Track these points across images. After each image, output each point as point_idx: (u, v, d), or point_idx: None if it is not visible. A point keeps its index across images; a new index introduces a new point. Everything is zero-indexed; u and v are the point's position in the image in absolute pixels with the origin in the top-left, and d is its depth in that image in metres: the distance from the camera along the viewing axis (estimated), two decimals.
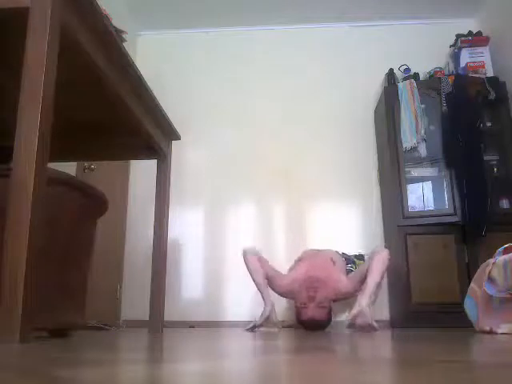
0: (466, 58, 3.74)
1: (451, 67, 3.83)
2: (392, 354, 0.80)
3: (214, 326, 3.59)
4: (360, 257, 3.05)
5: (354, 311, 2.35)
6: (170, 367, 0.55)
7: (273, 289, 2.73)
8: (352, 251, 3.26)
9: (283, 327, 2.60)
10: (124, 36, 1.74)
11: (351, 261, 2.94)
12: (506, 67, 3.66)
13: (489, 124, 3.54)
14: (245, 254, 2.71)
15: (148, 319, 2.01)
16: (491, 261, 2.17)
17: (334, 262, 2.74)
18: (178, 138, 2.24)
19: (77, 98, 1.69)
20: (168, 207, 2.13)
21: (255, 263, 2.67)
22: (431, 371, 0.51)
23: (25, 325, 0.97)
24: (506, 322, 1.98)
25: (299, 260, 2.85)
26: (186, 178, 3.90)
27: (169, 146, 2.21)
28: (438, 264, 3.23)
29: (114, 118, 1.84)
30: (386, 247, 3.12)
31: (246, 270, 2.70)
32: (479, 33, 3.87)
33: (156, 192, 2.11)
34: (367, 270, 2.49)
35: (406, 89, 3.57)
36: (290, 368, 0.55)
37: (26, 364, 0.57)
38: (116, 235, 3.70)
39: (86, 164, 3.23)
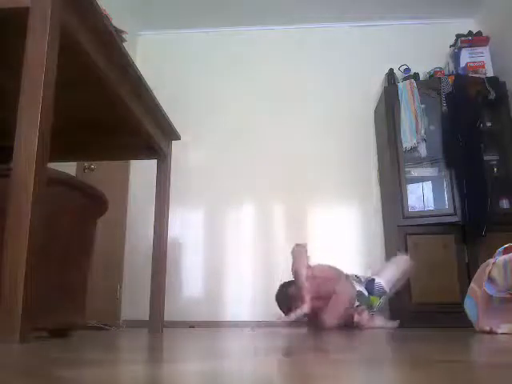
0: (466, 57, 3.74)
1: (451, 67, 3.83)
2: (392, 354, 0.80)
3: (214, 325, 3.59)
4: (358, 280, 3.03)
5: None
6: (170, 367, 0.55)
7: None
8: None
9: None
10: (124, 36, 1.74)
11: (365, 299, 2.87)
12: (506, 67, 3.67)
13: (489, 124, 3.55)
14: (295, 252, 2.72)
15: (148, 319, 2.01)
16: (491, 261, 2.16)
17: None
18: (178, 137, 2.24)
19: (77, 98, 1.69)
20: (168, 207, 2.12)
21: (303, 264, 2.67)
22: (431, 371, 0.51)
23: (25, 325, 0.97)
24: (506, 322, 1.98)
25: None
26: (186, 178, 3.90)
27: (169, 146, 2.21)
28: (438, 264, 3.23)
29: (114, 118, 1.84)
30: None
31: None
32: (479, 33, 3.87)
33: (156, 192, 2.10)
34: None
35: (406, 89, 3.58)
36: (289, 368, 0.55)
37: (26, 364, 0.57)
38: (116, 235, 3.70)
39: (85, 164, 3.23)
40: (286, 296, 2.70)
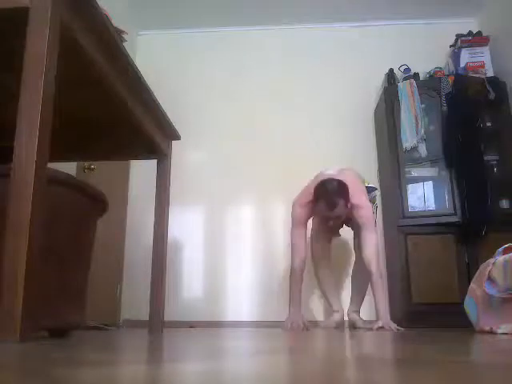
0: (465, 57, 3.74)
1: (451, 67, 3.83)
2: (392, 353, 0.80)
3: (214, 325, 3.59)
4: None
5: (379, 325, 2.46)
6: (170, 367, 0.55)
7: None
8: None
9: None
10: (124, 36, 1.74)
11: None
12: (506, 67, 3.67)
13: (489, 124, 3.55)
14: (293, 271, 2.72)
15: (148, 319, 2.01)
16: (491, 261, 2.17)
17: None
18: (178, 138, 2.24)
19: (76, 98, 1.69)
20: (168, 207, 2.12)
21: (298, 281, 2.68)
22: (431, 371, 0.51)
23: (25, 325, 0.97)
24: (506, 322, 1.98)
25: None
26: (185, 178, 3.90)
27: (169, 146, 2.21)
28: (438, 264, 3.23)
29: (114, 118, 1.84)
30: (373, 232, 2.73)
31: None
32: (479, 33, 3.87)
33: (156, 192, 2.10)
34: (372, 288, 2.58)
35: (406, 89, 3.58)
36: (289, 368, 0.55)
37: (26, 364, 0.57)
38: (116, 235, 3.70)
39: (85, 164, 3.23)
40: (333, 190, 2.55)
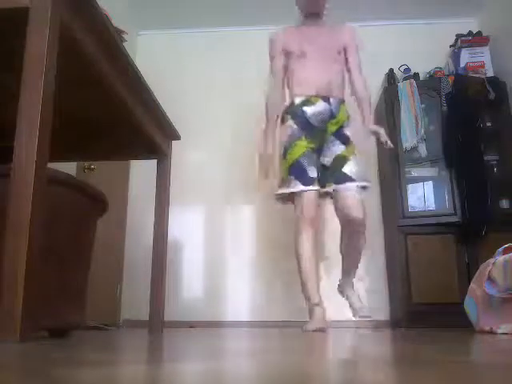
0: (465, 57, 3.74)
1: (451, 67, 3.83)
2: (392, 353, 0.80)
3: (214, 325, 3.60)
4: None
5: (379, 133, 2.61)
6: (170, 367, 0.55)
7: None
8: None
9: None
10: (124, 36, 1.74)
11: None
12: (506, 67, 3.67)
13: (489, 124, 3.55)
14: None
15: (148, 319, 2.01)
16: (491, 261, 2.17)
17: None
18: (178, 137, 2.24)
19: (76, 98, 1.69)
20: (168, 207, 2.12)
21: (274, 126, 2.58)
22: (431, 371, 0.51)
23: (25, 325, 0.97)
24: (506, 322, 1.98)
25: None
26: (186, 178, 3.90)
27: (169, 146, 2.21)
28: (438, 264, 3.23)
29: (114, 118, 1.84)
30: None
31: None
32: (479, 33, 3.87)
33: (156, 192, 2.11)
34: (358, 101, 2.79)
35: (405, 89, 3.58)
36: (289, 368, 0.55)
37: (26, 364, 0.57)
38: (116, 235, 3.70)
39: (85, 164, 3.23)
40: None
